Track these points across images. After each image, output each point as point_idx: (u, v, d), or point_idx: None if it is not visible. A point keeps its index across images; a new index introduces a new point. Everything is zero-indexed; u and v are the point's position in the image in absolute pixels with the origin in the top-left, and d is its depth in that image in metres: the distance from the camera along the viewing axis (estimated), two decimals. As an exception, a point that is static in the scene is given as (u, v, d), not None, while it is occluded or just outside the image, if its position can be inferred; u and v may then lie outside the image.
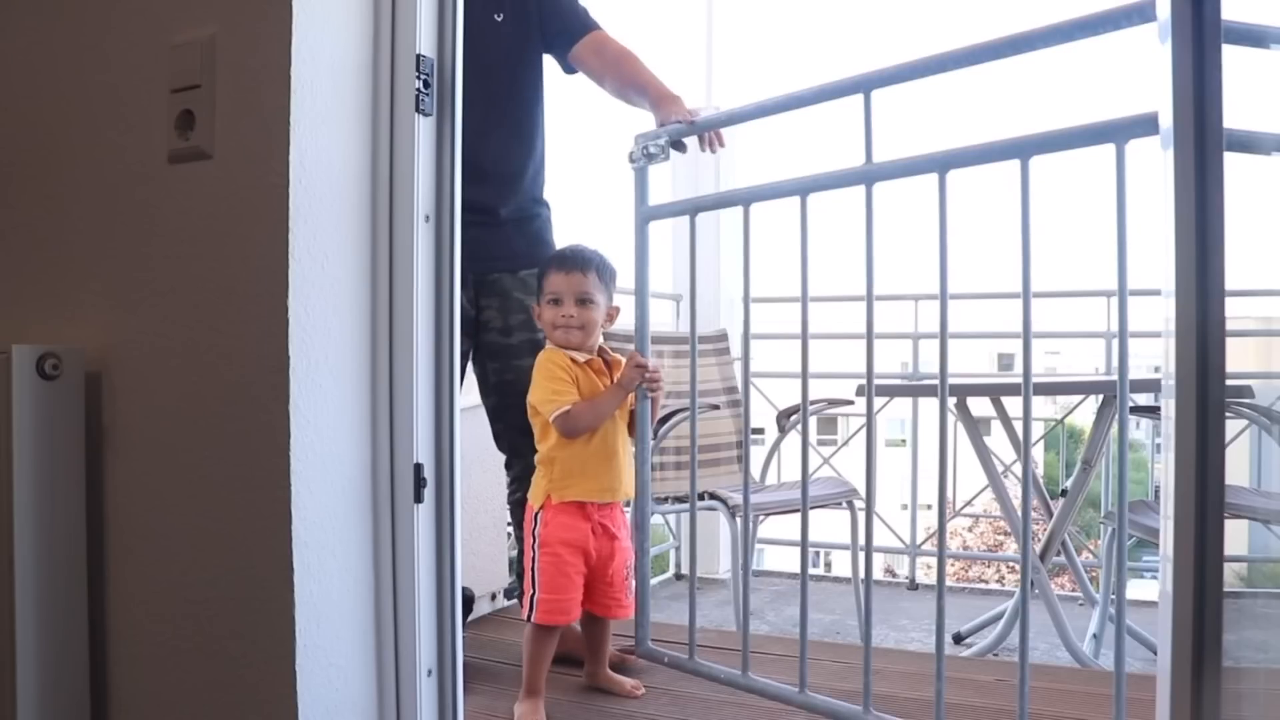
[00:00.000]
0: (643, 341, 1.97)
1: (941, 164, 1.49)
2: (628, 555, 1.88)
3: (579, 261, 1.84)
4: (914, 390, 3.40)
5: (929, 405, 3.43)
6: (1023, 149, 1.41)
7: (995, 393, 2.91)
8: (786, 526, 3.13)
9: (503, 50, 1.99)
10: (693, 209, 1.96)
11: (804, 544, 1.43)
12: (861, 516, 2.94)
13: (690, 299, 2.00)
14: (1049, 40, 1.39)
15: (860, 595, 2.98)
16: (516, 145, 2.05)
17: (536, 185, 2.12)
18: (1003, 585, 5.76)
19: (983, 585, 4.62)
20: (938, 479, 1.53)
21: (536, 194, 2.12)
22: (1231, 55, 0.86)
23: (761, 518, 2.94)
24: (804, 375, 1.75)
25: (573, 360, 1.81)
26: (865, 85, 1.58)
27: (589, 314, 1.82)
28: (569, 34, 2.04)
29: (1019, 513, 2.89)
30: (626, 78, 2.02)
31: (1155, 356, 0.98)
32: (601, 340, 1.91)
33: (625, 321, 2.02)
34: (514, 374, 2.00)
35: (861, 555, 2.98)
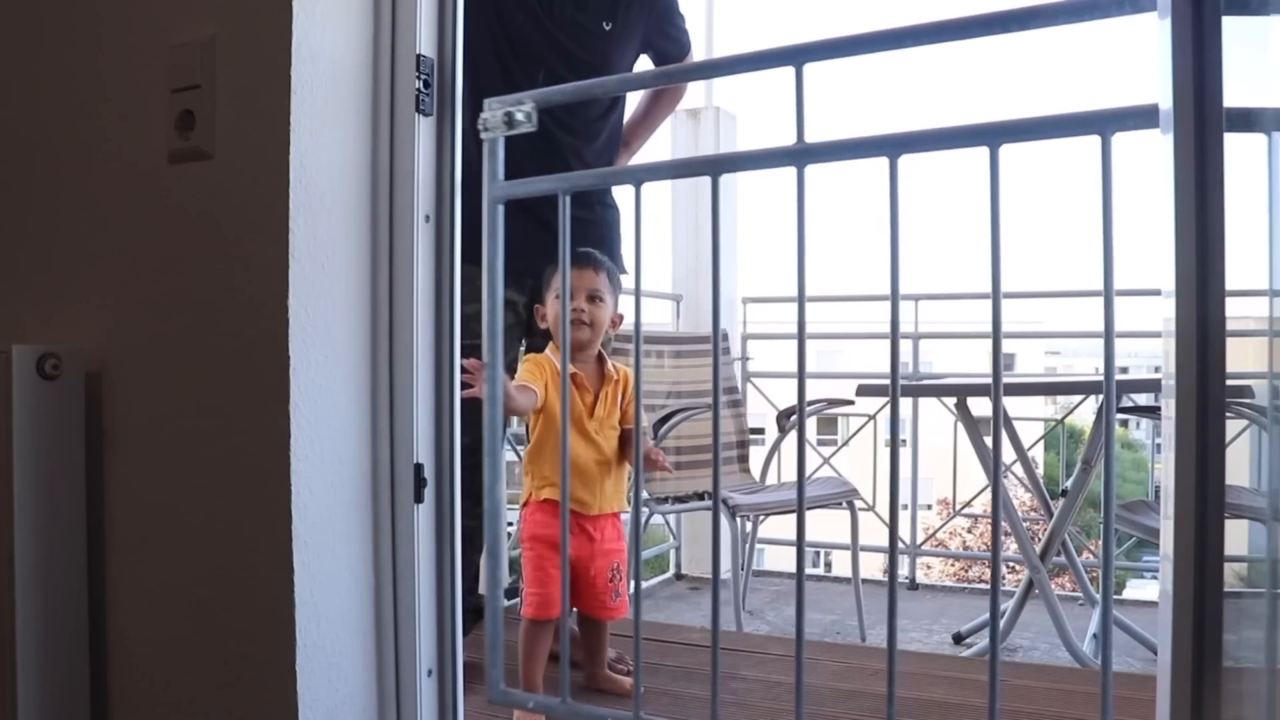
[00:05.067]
0: (493, 339, 1.45)
1: (893, 146, 1.29)
2: (611, 559, 1.87)
3: (592, 259, 1.85)
4: (914, 390, 3.40)
5: (929, 405, 3.43)
6: (992, 135, 1.24)
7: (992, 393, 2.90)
8: (787, 526, 3.14)
9: (604, 56, 2.08)
10: (568, 187, 1.55)
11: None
12: (862, 516, 2.95)
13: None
14: (1026, 23, 1.28)
15: (858, 594, 2.98)
16: (588, 148, 2.10)
17: (603, 190, 2.17)
18: (1003, 585, 5.76)
19: (983, 585, 4.62)
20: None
21: (604, 197, 2.17)
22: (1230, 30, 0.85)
23: (762, 518, 2.95)
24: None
25: (558, 368, 1.79)
26: (797, 58, 1.36)
27: (599, 312, 1.83)
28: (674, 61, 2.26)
29: (1017, 513, 2.89)
30: (650, 124, 2.33)
31: (1155, 356, 0.98)
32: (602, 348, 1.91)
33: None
34: None
35: (863, 555, 3.00)
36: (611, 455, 1.87)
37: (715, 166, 1.46)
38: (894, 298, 1.31)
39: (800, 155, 1.34)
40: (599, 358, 1.89)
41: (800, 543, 1.52)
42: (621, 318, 1.90)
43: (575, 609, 1.90)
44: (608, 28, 2.08)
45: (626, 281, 2.27)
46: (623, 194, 2.24)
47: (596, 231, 2.13)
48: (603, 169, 2.00)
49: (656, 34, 2.18)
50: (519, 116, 1.51)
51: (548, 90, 1.51)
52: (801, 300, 1.45)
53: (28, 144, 1.51)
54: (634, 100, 2.33)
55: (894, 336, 1.30)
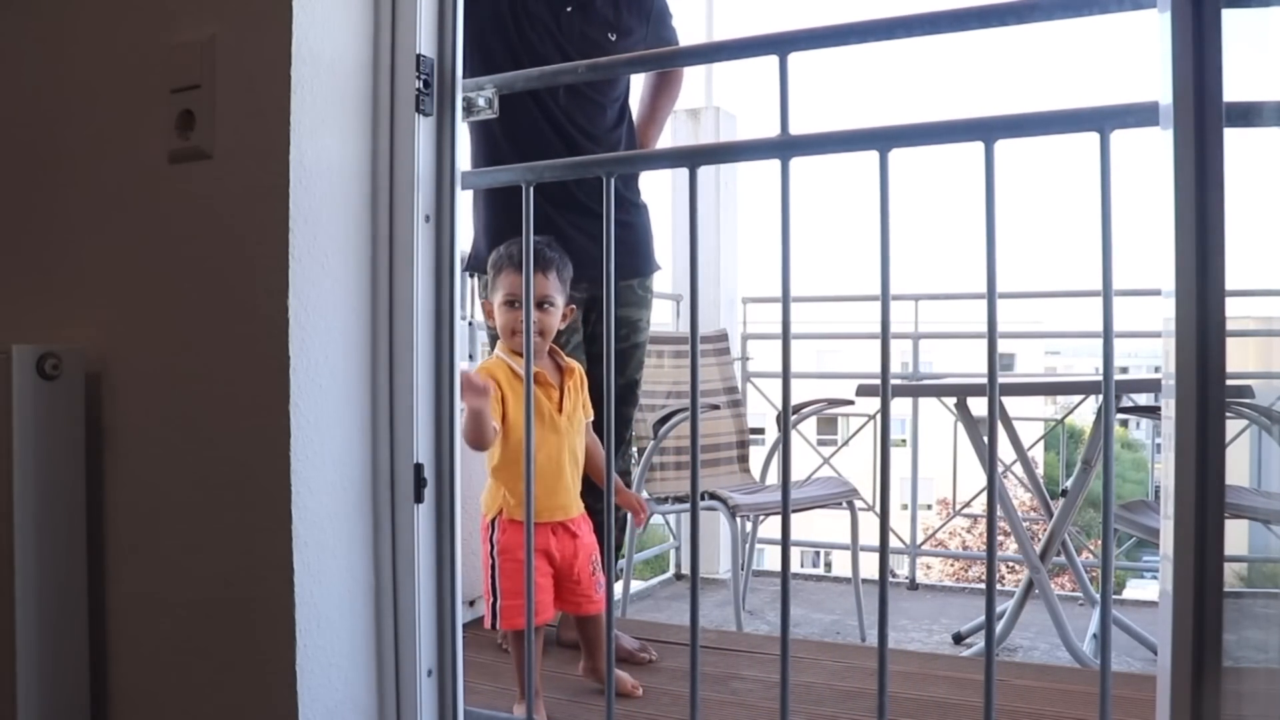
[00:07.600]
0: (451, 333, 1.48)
1: (883, 140, 1.25)
2: (589, 552, 1.85)
3: (540, 261, 1.76)
4: (914, 390, 3.40)
5: (929, 405, 3.43)
6: (987, 130, 1.21)
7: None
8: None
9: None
10: (533, 178, 1.47)
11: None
12: (862, 516, 2.95)
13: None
14: (1024, 16, 1.20)
15: (858, 594, 2.98)
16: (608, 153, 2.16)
17: (629, 190, 2.21)
18: (1002, 585, 5.77)
19: (983, 585, 4.62)
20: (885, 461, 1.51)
21: (635, 197, 2.21)
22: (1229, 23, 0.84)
23: (761, 518, 2.95)
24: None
25: (513, 371, 1.76)
26: (781, 46, 1.31)
27: (548, 319, 1.77)
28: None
29: (1017, 512, 2.88)
30: (656, 120, 2.38)
31: (1155, 356, 0.98)
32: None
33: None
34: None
35: (863, 555, 3.00)
36: (580, 450, 1.85)
37: (692, 158, 1.42)
38: (884, 295, 1.30)
39: (785, 147, 1.29)
40: (550, 351, 1.85)
41: (785, 540, 1.52)
42: (574, 310, 1.83)
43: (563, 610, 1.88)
44: (613, 38, 2.15)
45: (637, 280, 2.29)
46: (648, 191, 2.30)
47: (628, 235, 2.15)
48: (570, 159, 1.92)
49: (654, 39, 2.25)
50: (480, 102, 1.51)
51: (510, 75, 1.53)
52: (786, 296, 1.42)
53: (28, 144, 1.51)
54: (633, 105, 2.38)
55: (884, 335, 1.29)
